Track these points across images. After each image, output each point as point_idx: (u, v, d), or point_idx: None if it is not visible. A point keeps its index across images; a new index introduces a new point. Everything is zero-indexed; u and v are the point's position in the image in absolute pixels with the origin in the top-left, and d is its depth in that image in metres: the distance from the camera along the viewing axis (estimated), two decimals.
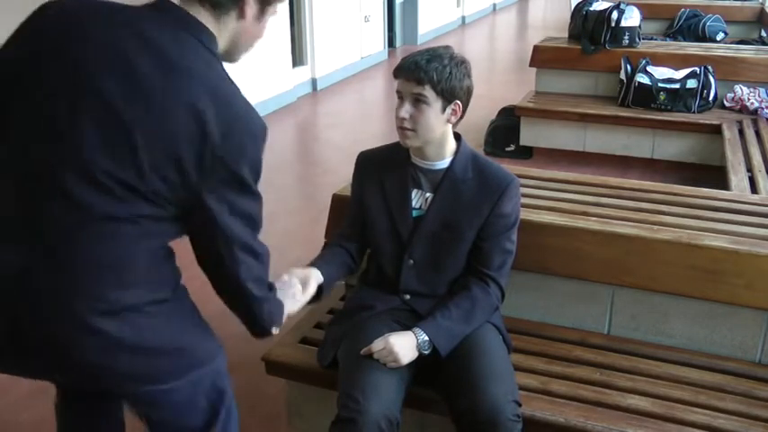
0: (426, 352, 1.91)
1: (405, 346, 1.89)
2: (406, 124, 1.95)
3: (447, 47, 1.99)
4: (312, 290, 1.98)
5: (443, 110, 1.94)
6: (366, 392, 1.81)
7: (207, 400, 1.68)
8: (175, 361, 1.58)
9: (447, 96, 1.92)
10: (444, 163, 2.03)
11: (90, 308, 1.38)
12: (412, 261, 2.05)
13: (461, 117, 2.01)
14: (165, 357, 1.55)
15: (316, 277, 2.00)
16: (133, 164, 1.35)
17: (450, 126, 2.00)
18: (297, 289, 1.91)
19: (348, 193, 2.43)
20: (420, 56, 1.92)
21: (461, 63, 1.95)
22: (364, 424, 1.76)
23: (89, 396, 1.77)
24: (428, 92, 1.91)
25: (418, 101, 1.92)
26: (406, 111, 1.94)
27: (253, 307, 1.68)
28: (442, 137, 2.00)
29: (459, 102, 1.95)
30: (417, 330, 1.93)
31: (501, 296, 2.06)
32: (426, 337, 1.91)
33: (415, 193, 2.05)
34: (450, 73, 1.90)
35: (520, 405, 1.84)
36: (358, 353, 1.93)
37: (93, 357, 1.42)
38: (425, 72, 1.89)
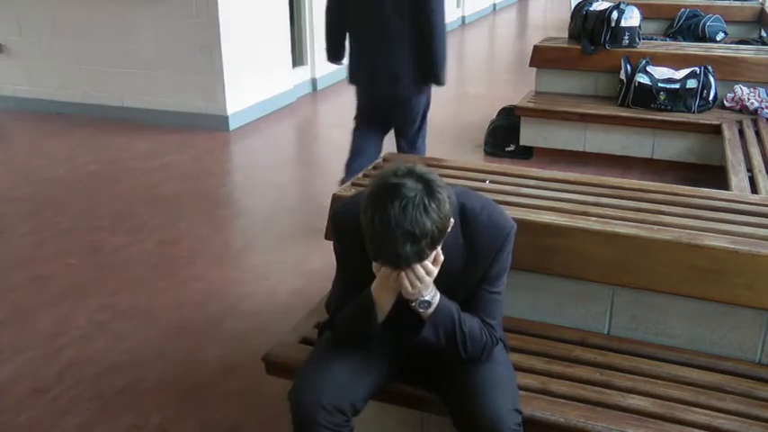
0: (417, 309, 1.80)
1: (424, 283, 1.75)
2: None
3: (407, 184, 1.61)
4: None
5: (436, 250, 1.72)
6: (311, 377, 1.85)
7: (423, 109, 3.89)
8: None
9: (435, 247, 1.69)
10: None
11: None
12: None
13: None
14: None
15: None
16: None
17: None
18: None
19: (348, 193, 2.43)
20: (392, 238, 1.59)
21: (431, 200, 1.61)
22: (304, 403, 1.81)
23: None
24: (417, 269, 1.72)
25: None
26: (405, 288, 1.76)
27: None
28: None
29: (448, 229, 1.69)
30: (436, 297, 1.80)
31: (494, 340, 1.90)
32: (431, 309, 1.79)
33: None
34: (430, 238, 1.62)
35: (521, 413, 1.84)
36: (328, 344, 1.95)
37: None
38: (407, 260, 1.64)
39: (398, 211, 1.58)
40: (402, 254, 1.61)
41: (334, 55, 4.03)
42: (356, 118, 4.09)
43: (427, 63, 3.68)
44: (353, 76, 3.94)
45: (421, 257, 1.66)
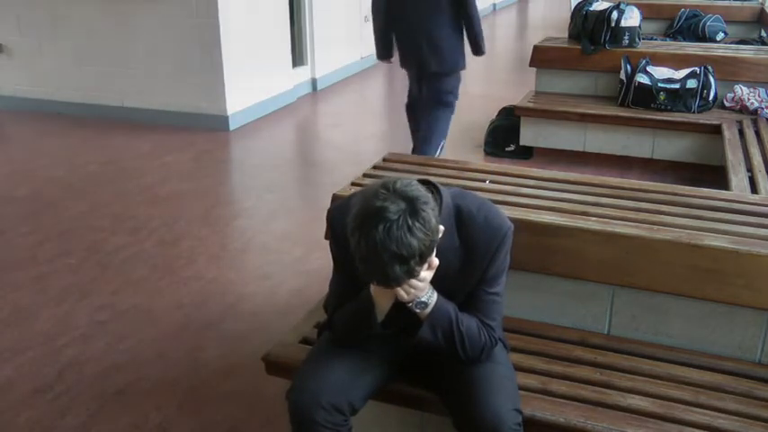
0: (414, 310, 1.80)
1: (418, 288, 1.76)
2: None
3: (390, 207, 1.58)
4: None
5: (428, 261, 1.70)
6: (310, 376, 1.86)
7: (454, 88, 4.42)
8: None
9: (425, 262, 1.68)
10: None
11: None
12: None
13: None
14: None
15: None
16: None
17: None
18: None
19: (347, 193, 2.43)
20: (380, 262, 1.59)
21: (414, 220, 1.59)
22: (302, 403, 1.82)
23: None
24: (410, 282, 1.72)
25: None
26: (401, 296, 1.77)
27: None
28: None
29: (436, 241, 1.67)
30: (433, 297, 1.80)
31: (493, 341, 1.90)
32: (428, 310, 1.80)
33: None
34: (419, 256, 1.61)
35: (521, 413, 1.84)
36: (327, 344, 1.96)
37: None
38: (397, 280, 1.65)
39: (383, 235, 1.57)
40: (392, 275, 1.62)
41: (384, 53, 4.50)
42: (408, 95, 4.68)
43: (469, 37, 4.34)
44: (402, 61, 4.48)
45: (411, 275, 1.66)
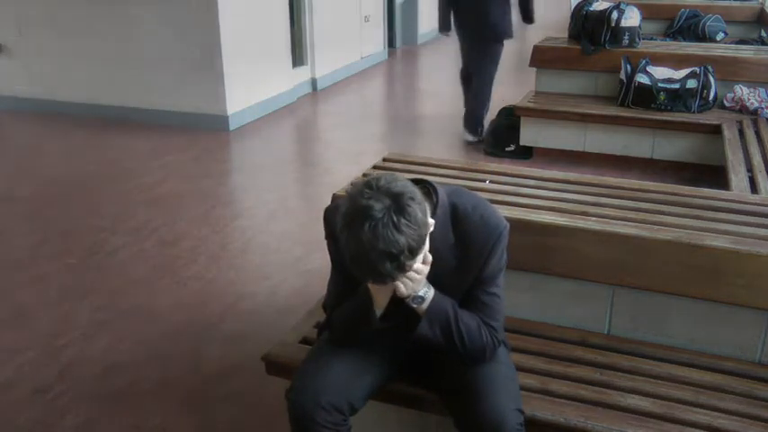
0: (411, 305, 1.81)
1: (415, 282, 1.76)
2: None
3: (375, 205, 1.58)
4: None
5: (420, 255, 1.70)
6: (310, 376, 1.86)
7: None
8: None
9: (417, 256, 1.66)
10: None
11: None
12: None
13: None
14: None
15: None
16: None
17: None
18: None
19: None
20: (370, 260, 1.59)
21: (400, 216, 1.58)
22: (302, 403, 1.82)
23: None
24: (408, 275, 1.71)
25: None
26: (398, 289, 1.77)
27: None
28: None
29: (426, 235, 1.66)
30: (430, 292, 1.80)
31: (496, 341, 1.89)
32: (425, 305, 1.80)
33: None
34: (408, 251, 1.60)
35: (523, 413, 1.83)
36: (327, 344, 1.96)
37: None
38: (390, 276, 1.64)
39: (369, 233, 1.56)
40: (383, 272, 1.61)
41: (445, 26, 5.76)
42: (462, 73, 5.90)
43: (524, 7, 5.92)
44: (460, 30, 5.76)
45: (403, 270, 1.65)
